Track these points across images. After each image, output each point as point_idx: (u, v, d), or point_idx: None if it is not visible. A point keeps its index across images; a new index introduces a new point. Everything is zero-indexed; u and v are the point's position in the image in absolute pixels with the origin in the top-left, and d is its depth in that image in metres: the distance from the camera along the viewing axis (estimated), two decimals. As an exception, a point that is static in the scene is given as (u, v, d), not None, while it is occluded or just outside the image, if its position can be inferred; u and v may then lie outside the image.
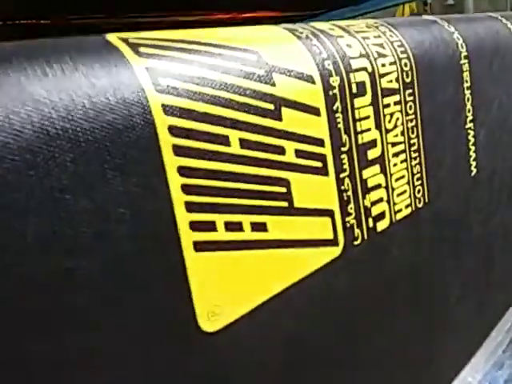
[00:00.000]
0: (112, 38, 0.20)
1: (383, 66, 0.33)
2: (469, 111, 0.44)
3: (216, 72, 0.21)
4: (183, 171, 0.19)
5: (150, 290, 0.19)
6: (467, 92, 0.43)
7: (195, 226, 0.20)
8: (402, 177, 0.36)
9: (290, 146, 0.25)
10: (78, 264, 0.16)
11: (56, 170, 0.16)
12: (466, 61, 0.42)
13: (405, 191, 0.36)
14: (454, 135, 0.43)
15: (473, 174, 0.46)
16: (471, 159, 0.45)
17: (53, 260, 0.16)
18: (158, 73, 0.19)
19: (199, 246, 0.20)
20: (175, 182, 0.19)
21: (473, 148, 0.45)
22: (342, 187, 0.29)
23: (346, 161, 0.30)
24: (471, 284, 0.47)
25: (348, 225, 0.29)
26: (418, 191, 0.38)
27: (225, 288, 0.21)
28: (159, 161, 0.19)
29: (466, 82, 0.42)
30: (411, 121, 0.37)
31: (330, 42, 0.30)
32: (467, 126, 0.44)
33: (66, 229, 0.16)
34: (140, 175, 0.18)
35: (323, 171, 0.28)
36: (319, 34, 0.30)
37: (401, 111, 0.35)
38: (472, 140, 0.45)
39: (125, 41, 0.20)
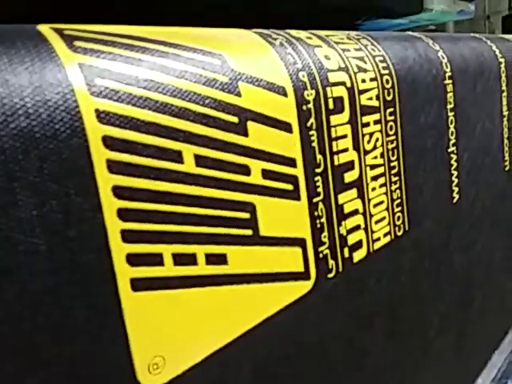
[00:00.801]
0: (44, 28, 0.17)
1: (363, 81, 0.30)
2: (452, 134, 0.41)
3: (169, 75, 0.18)
4: (120, 192, 0.16)
5: (75, 339, 0.15)
6: (451, 114, 0.41)
7: (134, 259, 0.16)
8: (381, 202, 0.33)
9: (257, 166, 0.22)
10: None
11: None
12: (450, 81, 0.40)
13: (384, 218, 0.33)
14: (437, 159, 0.40)
15: (455, 200, 0.43)
16: (453, 184, 0.42)
17: None
18: (95, 72, 0.16)
19: (139, 284, 0.17)
20: (110, 205, 0.16)
21: (455, 173, 0.42)
22: (316, 213, 0.26)
23: (320, 183, 0.27)
24: (452, 317, 0.44)
25: (321, 255, 0.26)
26: (398, 218, 0.35)
27: (171, 335, 0.18)
28: (89, 179, 0.15)
29: (450, 103, 0.40)
30: (392, 142, 0.34)
31: (307, 51, 0.27)
32: (450, 150, 0.41)
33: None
34: (62, 196, 0.14)
35: (294, 195, 0.25)
36: (295, 42, 0.27)
37: (381, 131, 0.32)
38: (454, 164, 0.43)
39: (58, 32, 0.17)
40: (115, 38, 0.18)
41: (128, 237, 0.16)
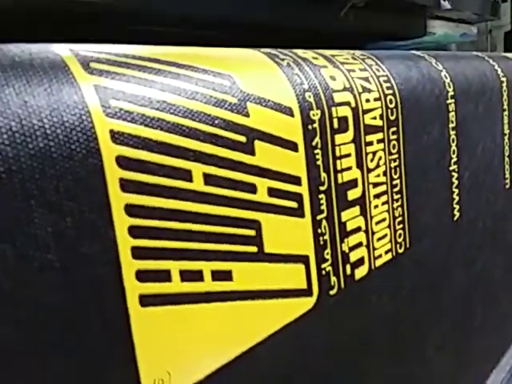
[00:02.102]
0: (60, 48, 0.17)
1: (367, 101, 0.31)
2: (453, 153, 0.42)
3: (180, 96, 0.19)
4: (132, 210, 0.16)
5: (84, 354, 0.16)
6: (452, 133, 0.41)
7: (143, 275, 0.17)
8: (383, 220, 0.33)
9: (263, 184, 0.22)
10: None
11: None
12: (453, 100, 0.40)
13: (385, 235, 0.33)
14: (438, 177, 0.41)
15: (455, 218, 0.43)
16: (454, 202, 0.43)
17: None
18: (109, 93, 0.17)
19: (147, 300, 0.17)
20: (121, 222, 0.16)
21: (456, 191, 0.43)
22: (319, 230, 0.27)
23: (324, 201, 0.27)
24: (451, 334, 0.45)
25: (324, 272, 0.27)
26: (399, 235, 0.35)
27: (177, 350, 0.18)
28: (102, 197, 0.16)
29: (452, 122, 0.41)
30: (394, 160, 0.34)
31: (313, 72, 0.28)
32: (451, 168, 0.42)
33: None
34: (76, 214, 0.15)
35: (298, 212, 0.25)
36: (301, 63, 0.28)
37: (384, 150, 0.33)
38: (455, 182, 0.43)
39: (74, 53, 0.17)
40: (129, 60, 0.18)
41: (138, 253, 0.17)
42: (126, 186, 0.16)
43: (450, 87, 0.40)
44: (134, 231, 0.16)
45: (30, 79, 0.15)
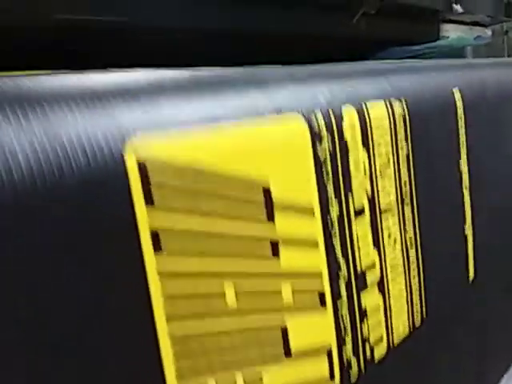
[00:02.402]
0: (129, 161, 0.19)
1: (383, 188, 0.33)
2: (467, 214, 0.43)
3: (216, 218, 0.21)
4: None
5: None
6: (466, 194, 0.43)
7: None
8: (401, 294, 0.35)
9: (287, 287, 0.24)
10: None
11: None
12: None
13: (403, 310, 0.35)
14: (452, 240, 0.42)
15: (470, 279, 0.45)
16: (469, 266, 0.44)
17: None
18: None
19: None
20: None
21: (471, 254, 0.44)
22: (340, 316, 0.28)
23: (343, 287, 0.29)
24: None
25: (345, 361, 0.28)
26: (416, 308, 0.36)
27: None
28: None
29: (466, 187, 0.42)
30: (409, 237, 0.36)
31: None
32: (466, 233, 0.43)
33: None
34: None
35: (320, 305, 0.27)
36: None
37: (399, 230, 0.34)
38: (471, 244, 0.44)
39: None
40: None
41: (181, 374, 0.19)
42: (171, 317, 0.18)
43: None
44: (177, 354, 0.19)
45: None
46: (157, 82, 0.21)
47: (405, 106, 0.36)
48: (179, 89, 0.22)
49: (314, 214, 0.27)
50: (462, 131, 0.43)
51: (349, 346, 0.29)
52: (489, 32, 0.83)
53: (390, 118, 0.34)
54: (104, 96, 0.18)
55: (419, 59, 0.68)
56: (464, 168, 0.44)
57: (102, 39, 0.35)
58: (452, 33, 0.71)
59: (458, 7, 0.65)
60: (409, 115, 0.36)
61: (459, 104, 0.42)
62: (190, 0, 0.37)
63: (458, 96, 0.42)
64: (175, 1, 0.36)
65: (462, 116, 0.42)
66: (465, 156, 0.43)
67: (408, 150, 0.36)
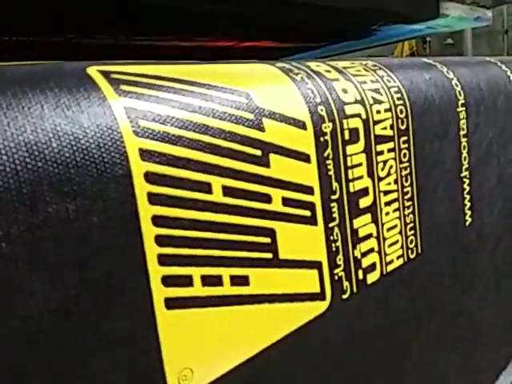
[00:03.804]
0: (92, 70, 0.19)
1: (378, 112, 0.32)
2: (464, 159, 0.43)
3: (200, 114, 0.20)
4: (158, 221, 0.18)
5: (114, 351, 0.17)
6: (463, 140, 0.42)
7: (168, 280, 0.18)
8: (395, 226, 0.34)
9: (277, 194, 0.24)
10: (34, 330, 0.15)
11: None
12: (464, 108, 0.41)
13: (397, 241, 0.35)
14: (449, 184, 0.42)
15: (467, 223, 0.44)
16: (466, 208, 0.44)
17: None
18: (138, 114, 0.18)
19: (171, 303, 0.19)
20: (149, 232, 0.18)
21: (468, 197, 0.44)
22: (331, 237, 0.28)
23: (335, 209, 0.29)
24: (462, 333, 0.46)
25: (336, 277, 0.28)
26: (411, 241, 0.36)
27: (199, 349, 0.20)
28: (132, 209, 0.17)
29: (463, 129, 0.42)
30: (405, 168, 0.36)
31: (326, 85, 0.29)
32: (462, 175, 0.43)
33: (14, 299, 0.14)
34: (108, 225, 0.16)
35: (312, 220, 0.26)
36: (314, 77, 0.29)
37: (395, 159, 0.34)
38: (467, 189, 0.44)
39: (106, 76, 0.19)
40: (153, 80, 0.20)
41: (163, 260, 0.18)
42: (153, 199, 0.18)
43: (460, 95, 0.41)
44: (160, 240, 0.18)
45: (62, 100, 0.17)
46: None
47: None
48: None
49: (306, 127, 0.26)
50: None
51: (341, 266, 0.28)
52: (489, 13, 0.81)
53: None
54: None
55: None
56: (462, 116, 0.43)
57: None
58: (452, 11, 0.70)
59: (458, -16, 0.63)
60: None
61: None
62: None
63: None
64: None
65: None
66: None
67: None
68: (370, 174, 0.31)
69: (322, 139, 0.27)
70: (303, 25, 0.56)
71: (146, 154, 0.18)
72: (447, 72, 0.43)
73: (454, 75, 0.43)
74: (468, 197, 0.44)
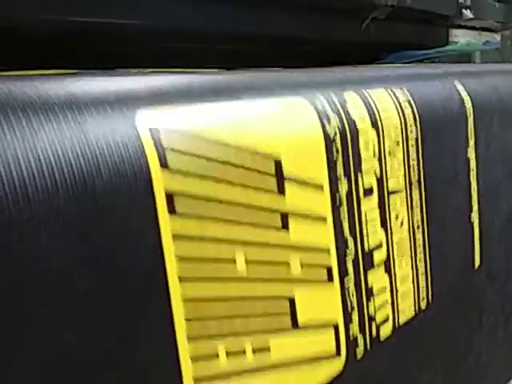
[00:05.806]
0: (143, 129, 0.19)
1: (392, 167, 0.33)
2: (474, 202, 0.43)
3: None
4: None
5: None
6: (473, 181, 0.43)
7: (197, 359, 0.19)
8: (407, 276, 0.35)
9: (295, 259, 0.24)
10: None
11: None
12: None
13: (409, 292, 0.35)
14: (459, 228, 0.42)
15: (476, 266, 0.45)
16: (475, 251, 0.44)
17: None
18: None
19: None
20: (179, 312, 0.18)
21: (477, 242, 0.44)
22: (347, 293, 0.28)
23: (350, 265, 0.29)
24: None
25: (351, 337, 0.28)
26: (422, 290, 0.37)
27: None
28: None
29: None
30: (417, 215, 0.36)
31: (347, 140, 0.29)
32: (472, 220, 0.43)
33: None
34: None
35: (328, 280, 0.27)
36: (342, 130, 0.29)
37: (407, 210, 0.34)
38: (477, 233, 0.44)
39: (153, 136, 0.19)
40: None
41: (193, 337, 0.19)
42: (184, 279, 0.18)
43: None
44: (189, 316, 0.19)
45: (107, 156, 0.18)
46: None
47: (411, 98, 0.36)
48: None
49: (323, 189, 0.27)
50: (470, 120, 0.43)
51: (355, 323, 0.29)
52: (498, 37, 0.82)
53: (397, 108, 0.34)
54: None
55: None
56: (471, 155, 0.44)
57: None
58: (461, 38, 0.71)
59: (467, 13, 0.64)
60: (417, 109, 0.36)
61: (466, 99, 0.42)
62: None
63: (464, 93, 0.43)
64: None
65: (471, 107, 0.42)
66: (472, 142, 0.43)
67: (417, 133, 0.36)
68: (384, 226, 0.32)
69: (337, 201, 0.28)
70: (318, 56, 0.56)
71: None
72: (457, 84, 0.43)
73: (463, 87, 0.43)
74: (478, 240, 0.45)
